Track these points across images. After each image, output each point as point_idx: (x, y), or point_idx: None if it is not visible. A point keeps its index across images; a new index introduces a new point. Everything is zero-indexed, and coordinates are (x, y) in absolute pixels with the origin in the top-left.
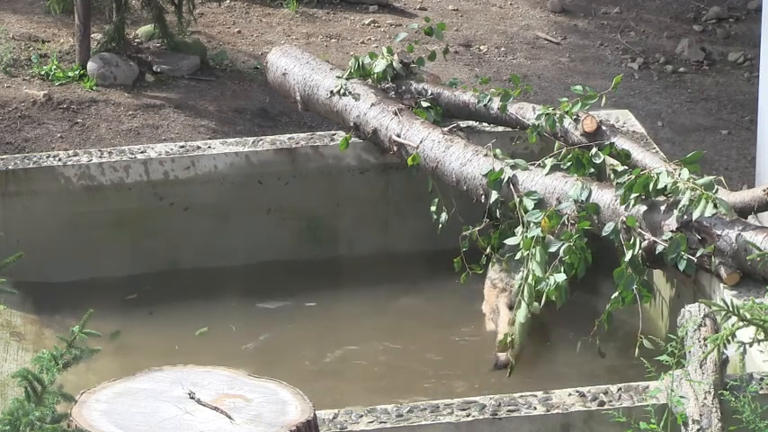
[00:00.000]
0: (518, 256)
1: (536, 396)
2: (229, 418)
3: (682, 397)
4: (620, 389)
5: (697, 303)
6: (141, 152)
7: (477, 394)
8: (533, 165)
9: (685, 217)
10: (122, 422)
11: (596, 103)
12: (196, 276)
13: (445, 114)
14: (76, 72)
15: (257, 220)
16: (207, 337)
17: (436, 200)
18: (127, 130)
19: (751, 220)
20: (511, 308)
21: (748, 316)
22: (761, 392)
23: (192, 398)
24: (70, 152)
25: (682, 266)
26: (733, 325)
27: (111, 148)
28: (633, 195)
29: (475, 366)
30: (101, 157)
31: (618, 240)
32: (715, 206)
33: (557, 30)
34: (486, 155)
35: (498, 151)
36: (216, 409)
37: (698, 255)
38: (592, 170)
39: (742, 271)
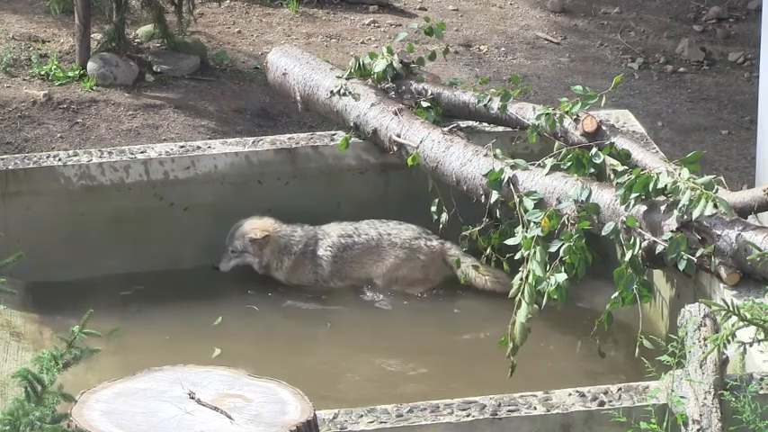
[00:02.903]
0: (518, 255)
1: (536, 396)
2: (229, 418)
3: (682, 397)
4: (620, 389)
5: (697, 303)
6: (141, 152)
7: (478, 394)
8: (533, 165)
9: (685, 217)
10: (122, 422)
11: (596, 103)
12: (196, 276)
13: (445, 114)
14: (76, 72)
15: None
16: (207, 337)
17: (436, 200)
18: (127, 130)
19: (751, 220)
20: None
21: (748, 316)
22: (761, 392)
23: (192, 398)
24: (70, 152)
25: (682, 266)
26: (733, 325)
27: (111, 148)
28: (633, 195)
29: (475, 366)
30: (101, 157)
31: (618, 240)
32: (715, 206)
33: (557, 30)
34: (486, 155)
35: (498, 151)
36: (216, 409)
37: (698, 255)
38: (592, 170)
39: (742, 271)
